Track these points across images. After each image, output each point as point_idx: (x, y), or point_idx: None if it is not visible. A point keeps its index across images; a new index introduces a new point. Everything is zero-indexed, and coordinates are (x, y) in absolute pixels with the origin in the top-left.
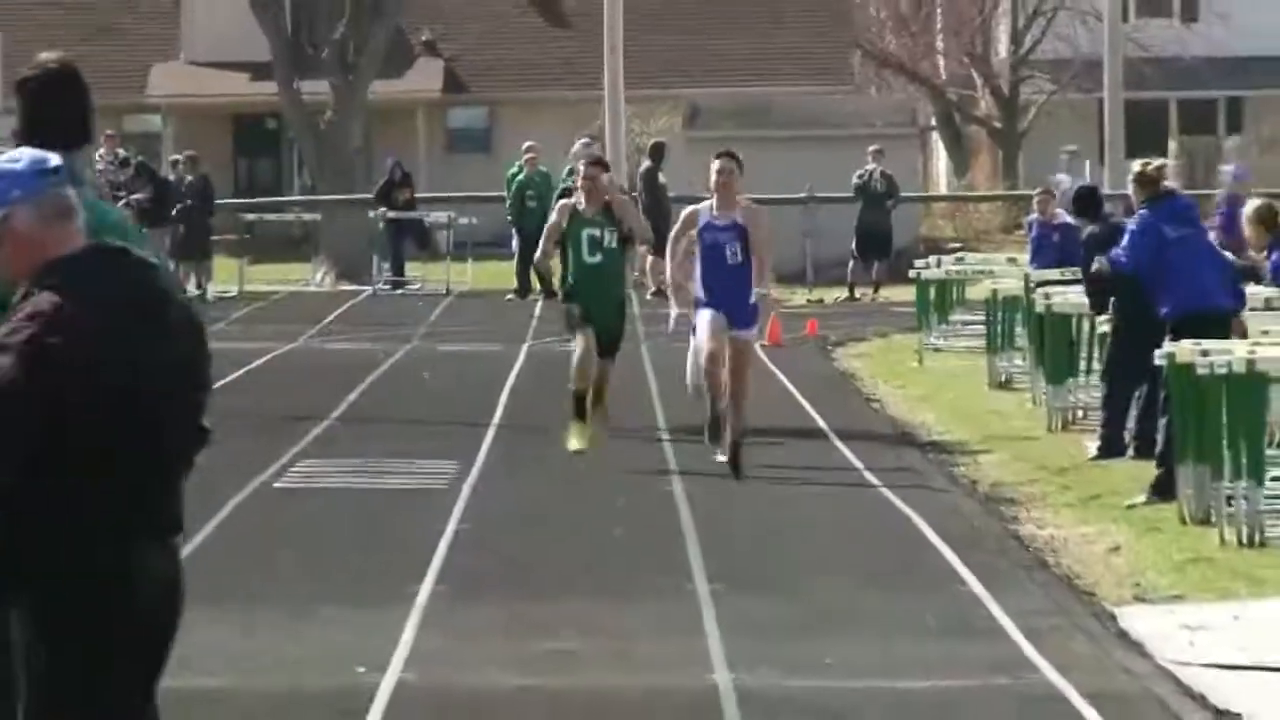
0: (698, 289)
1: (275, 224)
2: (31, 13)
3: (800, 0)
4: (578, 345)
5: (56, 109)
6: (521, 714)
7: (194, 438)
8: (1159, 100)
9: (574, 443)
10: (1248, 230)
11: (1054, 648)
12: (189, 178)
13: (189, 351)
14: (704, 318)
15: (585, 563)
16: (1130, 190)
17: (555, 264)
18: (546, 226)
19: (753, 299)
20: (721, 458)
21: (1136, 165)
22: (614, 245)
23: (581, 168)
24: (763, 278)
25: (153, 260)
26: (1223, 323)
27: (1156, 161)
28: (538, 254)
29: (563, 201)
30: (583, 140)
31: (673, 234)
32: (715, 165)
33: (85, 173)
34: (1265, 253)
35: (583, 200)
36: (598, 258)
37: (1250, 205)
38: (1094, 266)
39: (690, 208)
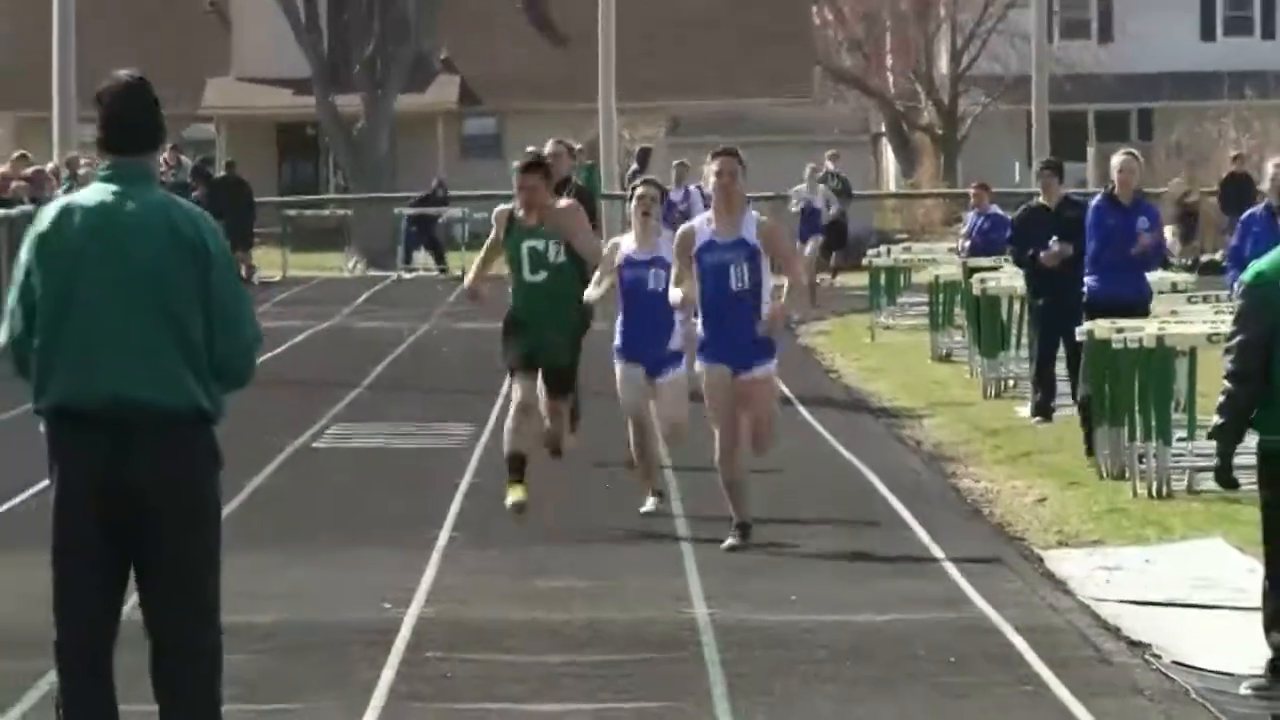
0: (698, 324)
1: (313, 218)
2: (103, 35)
3: (768, 24)
4: (513, 399)
5: (124, 119)
6: (526, 642)
7: None
8: (1079, 112)
9: (512, 496)
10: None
11: (988, 586)
12: (220, 175)
13: None
14: (708, 384)
15: (581, 512)
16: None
17: (484, 290)
18: (489, 239)
19: (763, 330)
20: (733, 539)
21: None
22: (561, 260)
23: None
24: (796, 302)
25: None
26: None
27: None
28: (472, 269)
29: (500, 208)
30: (554, 140)
31: (675, 267)
32: (714, 166)
33: (152, 170)
34: None
35: (521, 210)
36: (540, 275)
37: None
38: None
39: (683, 227)
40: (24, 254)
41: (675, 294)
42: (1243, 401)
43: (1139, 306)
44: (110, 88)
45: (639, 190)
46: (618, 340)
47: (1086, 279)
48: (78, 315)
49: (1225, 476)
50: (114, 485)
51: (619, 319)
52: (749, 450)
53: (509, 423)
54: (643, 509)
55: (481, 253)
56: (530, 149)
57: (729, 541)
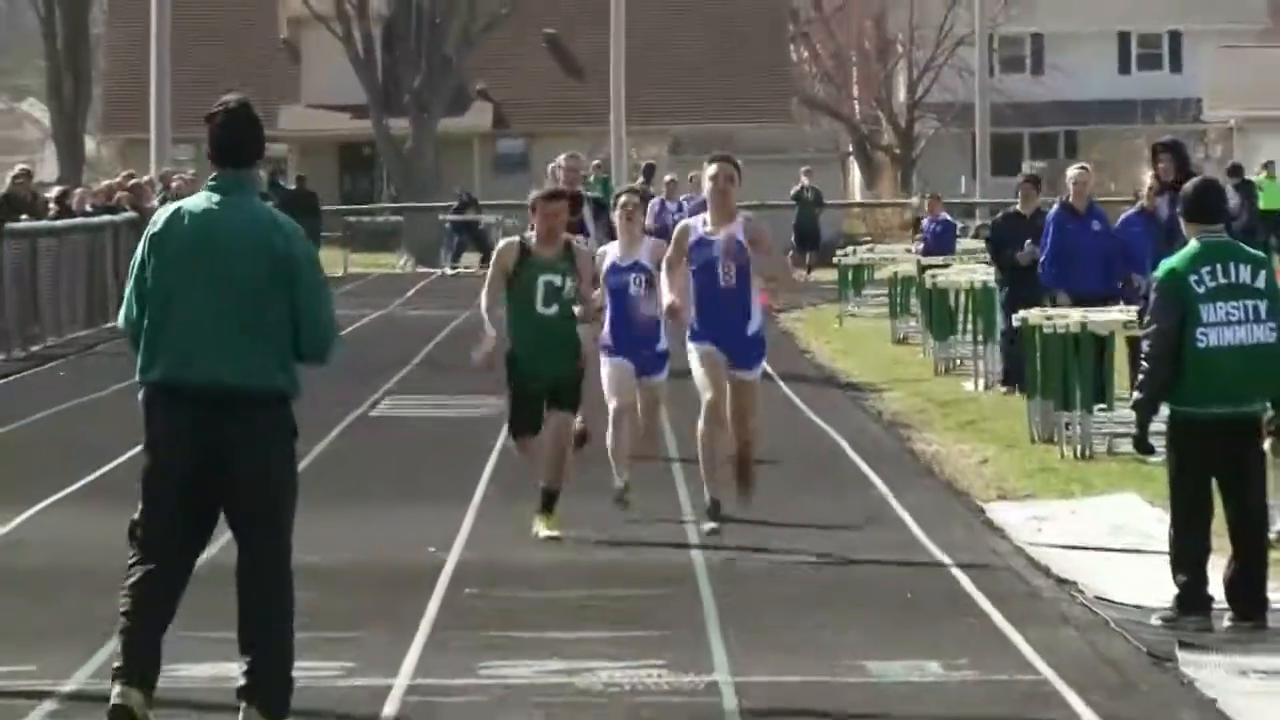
0: (691, 316)
1: (370, 224)
2: (193, 68)
3: (753, 60)
4: (521, 454)
5: (229, 138)
6: (550, 581)
7: None
8: (1016, 134)
9: (543, 530)
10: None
11: (939, 533)
12: (290, 188)
13: None
14: (695, 356)
15: (597, 472)
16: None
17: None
18: (491, 272)
19: (754, 329)
20: (710, 525)
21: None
22: (571, 295)
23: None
24: (789, 284)
25: None
26: None
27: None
28: (483, 303)
29: (506, 242)
30: (568, 154)
31: (666, 257)
32: (710, 170)
33: (253, 183)
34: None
35: (534, 238)
36: (553, 309)
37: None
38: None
39: (681, 223)
40: (140, 250)
41: (666, 296)
42: (1159, 380)
43: (1097, 298)
44: (218, 110)
45: (621, 199)
46: (607, 340)
47: (1046, 272)
48: (182, 307)
49: (1143, 443)
50: (209, 451)
51: (607, 321)
52: (734, 431)
53: (529, 459)
54: (620, 494)
55: (488, 289)
56: (551, 165)
57: (708, 526)
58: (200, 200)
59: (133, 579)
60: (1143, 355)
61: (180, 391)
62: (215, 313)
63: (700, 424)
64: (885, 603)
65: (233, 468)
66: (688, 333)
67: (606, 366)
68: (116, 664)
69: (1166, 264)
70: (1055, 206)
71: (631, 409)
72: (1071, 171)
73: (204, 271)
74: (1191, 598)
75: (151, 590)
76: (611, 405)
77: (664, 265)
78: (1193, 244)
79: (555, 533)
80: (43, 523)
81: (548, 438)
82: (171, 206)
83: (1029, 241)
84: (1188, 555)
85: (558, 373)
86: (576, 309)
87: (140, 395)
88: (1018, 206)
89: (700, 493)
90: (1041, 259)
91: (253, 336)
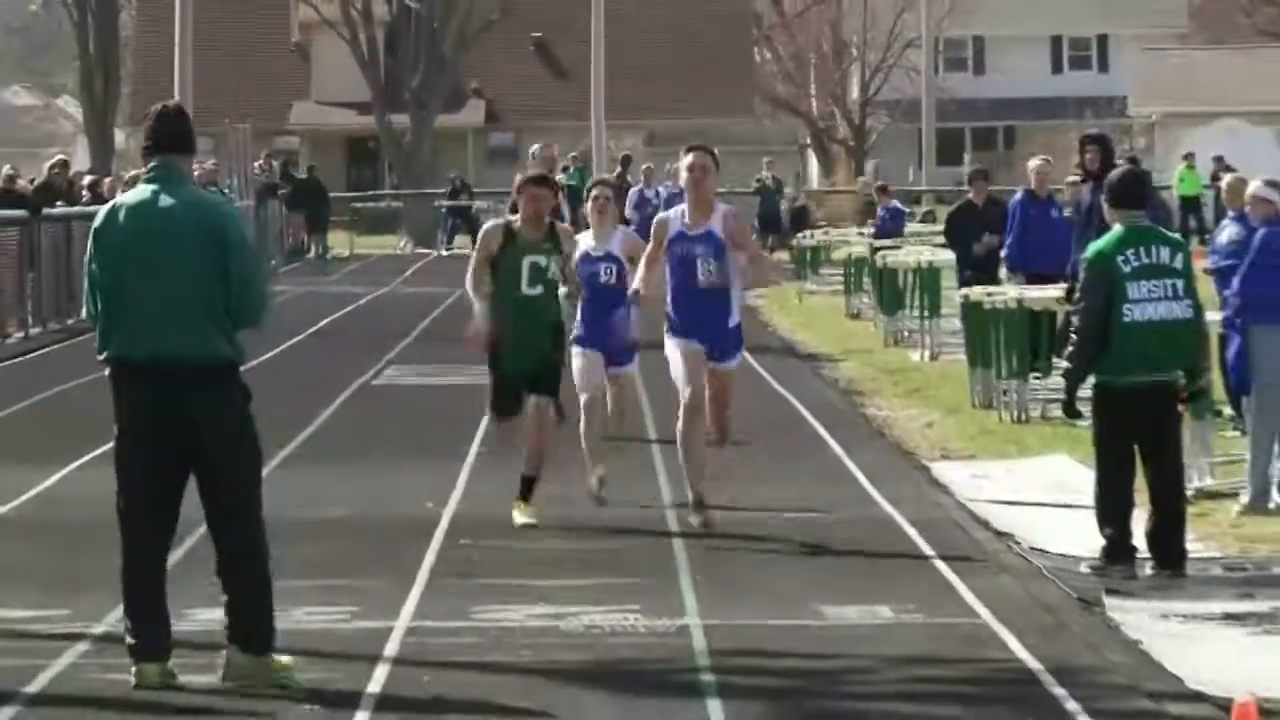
0: (669, 309)
1: (373, 209)
2: (212, 68)
3: (720, 60)
4: (500, 435)
5: (165, 131)
6: (537, 533)
7: None
8: (958, 128)
9: (519, 518)
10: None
11: (889, 490)
12: (302, 177)
13: None
14: (676, 351)
15: (576, 438)
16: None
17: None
18: (476, 256)
19: (734, 321)
20: (694, 519)
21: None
22: (554, 275)
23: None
24: (763, 275)
25: None
26: None
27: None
28: (469, 285)
29: (493, 224)
30: (543, 144)
31: (646, 254)
32: (686, 161)
33: (186, 171)
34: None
35: (519, 221)
36: (538, 289)
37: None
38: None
39: (660, 216)
40: (89, 246)
41: (635, 282)
42: (1087, 353)
43: (1057, 275)
44: (152, 111)
45: (594, 192)
46: (578, 329)
47: (1012, 255)
48: (129, 293)
49: (1071, 409)
50: (169, 419)
51: (579, 310)
52: (711, 420)
53: (514, 442)
54: (594, 490)
55: (473, 273)
56: (534, 150)
57: (696, 519)
58: (137, 193)
59: (123, 557)
60: (1072, 329)
61: (137, 367)
62: (161, 294)
63: (679, 422)
64: (840, 553)
65: (203, 438)
66: (665, 325)
67: (577, 359)
68: (129, 641)
69: (1095, 246)
70: (1019, 194)
71: (602, 400)
72: (1034, 163)
73: (147, 258)
74: (1117, 549)
75: (139, 564)
76: (582, 398)
77: (643, 259)
78: (1118, 228)
79: (533, 520)
80: (78, 479)
81: (529, 424)
82: (110, 203)
83: (986, 235)
84: (1113, 510)
85: (538, 360)
86: (562, 289)
87: (107, 373)
88: (970, 197)
89: (678, 479)
90: (1006, 243)
91: (197, 314)
